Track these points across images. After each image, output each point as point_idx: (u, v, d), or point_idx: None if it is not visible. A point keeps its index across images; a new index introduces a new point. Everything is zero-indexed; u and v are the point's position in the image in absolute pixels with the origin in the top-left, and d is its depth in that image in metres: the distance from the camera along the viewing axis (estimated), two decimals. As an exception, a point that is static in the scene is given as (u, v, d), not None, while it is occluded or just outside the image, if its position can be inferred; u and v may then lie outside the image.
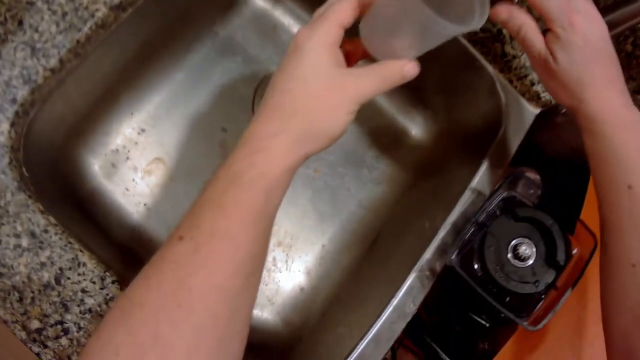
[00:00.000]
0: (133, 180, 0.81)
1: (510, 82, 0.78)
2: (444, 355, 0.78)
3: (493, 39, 0.76)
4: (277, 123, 0.50)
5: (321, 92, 0.50)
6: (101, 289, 0.62)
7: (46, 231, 0.61)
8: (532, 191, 0.75)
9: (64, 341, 0.60)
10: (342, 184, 0.87)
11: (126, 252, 0.75)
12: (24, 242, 0.61)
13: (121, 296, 0.47)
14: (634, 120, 0.58)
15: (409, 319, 0.68)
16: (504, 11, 0.61)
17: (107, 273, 0.62)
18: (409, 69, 0.52)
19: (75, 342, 0.60)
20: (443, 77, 0.83)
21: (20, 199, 0.62)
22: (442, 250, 0.71)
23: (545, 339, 0.73)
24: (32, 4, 0.64)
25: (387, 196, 0.88)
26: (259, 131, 0.50)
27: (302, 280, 0.84)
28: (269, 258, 0.82)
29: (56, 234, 0.62)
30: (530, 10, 0.60)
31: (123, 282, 0.63)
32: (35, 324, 0.60)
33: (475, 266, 0.69)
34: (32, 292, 0.60)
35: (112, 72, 0.75)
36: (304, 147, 0.51)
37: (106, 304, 0.61)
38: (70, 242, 0.62)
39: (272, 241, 0.83)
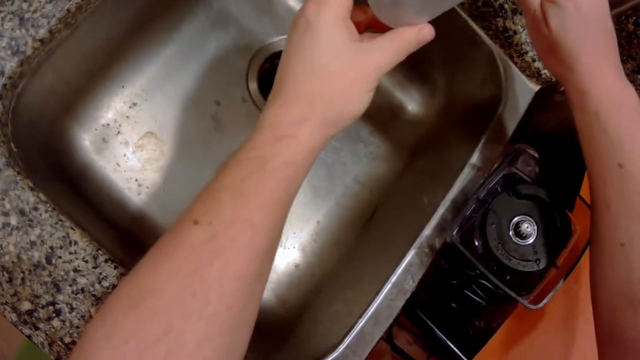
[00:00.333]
0: (124, 155, 0.77)
1: (511, 58, 0.74)
2: (439, 333, 0.75)
3: (494, 14, 0.73)
4: (301, 108, 0.47)
5: (342, 72, 0.47)
6: (94, 267, 0.58)
7: (36, 209, 0.57)
8: (530, 168, 0.72)
9: (55, 323, 0.56)
10: (337, 159, 0.84)
11: (119, 229, 0.71)
12: (13, 220, 0.56)
13: (127, 281, 0.43)
14: (626, 98, 0.55)
15: (408, 295, 0.65)
16: None
17: (99, 251, 0.58)
18: (425, 33, 0.50)
19: (67, 324, 0.56)
20: (442, 51, 0.79)
21: (8, 176, 0.57)
22: (442, 227, 0.67)
23: (541, 318, 0.70)
24: (20, -29, 0.60)
25: (384, 172, 0.84)
26: (282, 116, 0.47)
27: (297, 257, 0.80)
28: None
29: (46, 211, 0.57)
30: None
31: (117, 260, 0.58)
32: (26, 306, 0.56)
33: (476, 243, 0.66)
34: (22, 272, 0.56)
35: (104, 43, 0.71)
36: (328, 131, 0.49)
37: (99, 283, 0.57)
38: (61, 220, 0.57)
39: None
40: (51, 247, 0.57)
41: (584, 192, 0.69)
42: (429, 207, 0.69)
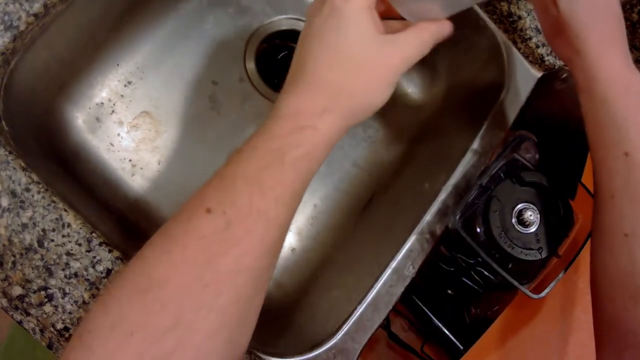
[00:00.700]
0: (118, 135, 0.72)
1: (515, 43, 0.71)
2: (435, 320, 0.72)
3: (499, -2, 0.69)
4: (324, 99, 0.44)
5: (368, 65, 0.45)
6: (88, 251, 0.54)
7: (28, 190, 0.53)
8: (531, 155, 0.69)
9: (47, 308, 0.53)
10: (336, 142, 0.80)
11: (112, 211, 0.67)
12: (4, 201, 0.52)
13: (133, 269, 0.40)
14: (634, 85, 0.52)
15: (407, 282, 0.63)
16: None
17: (93, 234, 0.54)
18: (445, 29, 0.48)
19: (60, 310, 0.53)
20: (444, 35, 0.75)
21: (-1, 155, 0.53)
22: (443, 213, 0.65)
23: (539, 307, 0.68)
24: (12, -60, 0.55)
25: (382, 155, 0.81)
26: (304, 106, 0.44)
27: (293, 240, 0.77)
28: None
29: (39, 192, 0.53)
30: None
31: (111, 244, 0.55)
32: (17, 291, 0.52)
33: (478, 230, 0.64)
34: (13, 255, 0.52)
35: (99, 19, 0.67)
36: (348, 123, 0.47)
37: (93, 267, 0.54)
38: (53, 201, 0.54)
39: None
40: (43, 230, 0.53)
41: (586, 180, 0.67)
42: (430, 193, 0.66)
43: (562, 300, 0.68)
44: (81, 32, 0.65)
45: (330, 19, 0.44)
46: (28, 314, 0.52)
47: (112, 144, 0.72)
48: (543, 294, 0.61)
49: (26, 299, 0.52)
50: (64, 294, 0.53)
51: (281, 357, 0.59)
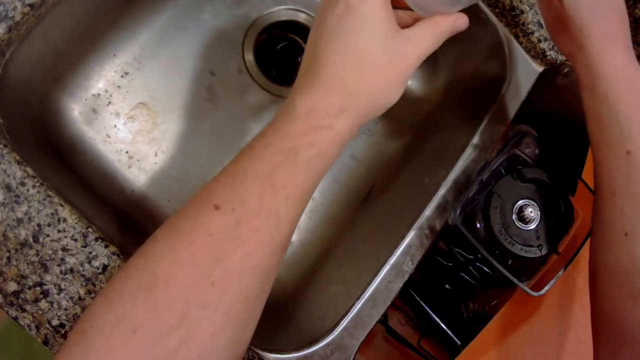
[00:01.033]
0: (115, 126, 0.71)
1: (516, 37, 0.69)
2: (433, 315, 0.72)
3: (501, -9, 0.68)
4: (341, 99, 0.43)
5: (384, 65, 0.44)
6: (83, 246, 0.52)
7: (23, 184, 0.51)
8: (531, 150, 0.68)
9: (43, 304, 0.51)
10: (334, 135, 0.78)
11: (109, 204, 0.65)
12: (-1, 196, 0.51)
13: (136, 264, 0.40)
14: (637, 82, 0.51)
15: (406, 277, 0.62)
16: None
17: (89, 229, 0.53)
18: (461, 23, 0.48)
19: (55, 306, 0.51)
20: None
21: (-6, 149, 0.52)
22: (443, 208, 0.63)
23: (538, 303, 0.67)
24: None
25: (382, 149, 0.79)
26: (320, 105, 0.43)
27: (291, 234, 0.75)
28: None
29: (34, 186, 0.52)
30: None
31: (107, 239, 0.53)
32: (12, 286, 0.51)
33: (478, 226, 0.63)
34: (8, 251, 0.51)
35: (96, 9, 0.65)
36: (362, 121, 0.45)
37: (89, 263, 0.52)
38: (49, 196, 0.52)
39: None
40: (39, 225, 0.52)
41: (586, 177, 0.65)
42: (429, 187, 0.65)
43: (561, 297, 0.67)
44: (77, 22, 0.63)
45: (346, 18, 0.43)
46: (23, 310, 0.51)
47: (108, 136, 0.70)
48: (543, 291, 0.60)
49: (21, 295, 0.51)
50: (60, 290, 0.51)
51: (279, 353, 0.58)
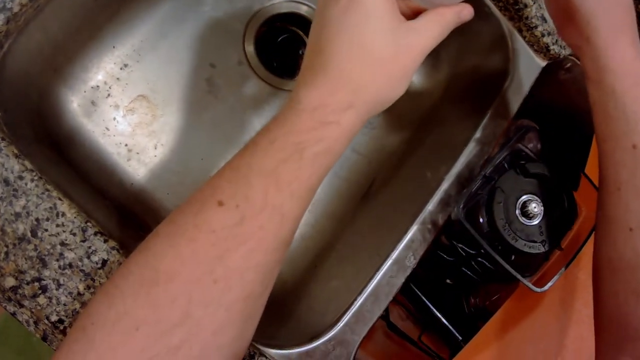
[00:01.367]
0: (114, 119, 0.69)
1: (520, 31, 0.68)
2: (434, 310, 0.70)
3: (505, -15, 0.66)
4: (347, 94, 0.42)
5: (390, 59, 0.42)
6: (82, 241, 0.51)
7: (21, 177, 0.50)
8: (534, 145, 0.67)
9: (41, 300, 0.50)
10: (335, 128, 0.76)
11: (107, 197, 0.64)
12: (-4, 190, 0.49)
13: (137, 261, 0.39)
14: None
15: (408, 272, 0.60)
16: None
17: (88, 223, 0.51)
18: (466, 14, 0.46)
19: (54, 301, 0.50)
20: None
21: (-9, 142, 0.50)
22: (445, 203, 0.62)
23: (540, 299, 0.66)
24: None
25: (384, 143, 0.78)
26: (326, 101, 0.41)
27: (291, 227, 0.74)
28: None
29: (32, 180, 0.50)
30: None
31: (107, 233, 0.52)
32: (10, 282, 0.49)
33: (481, 220, 0.61)
34: (6, 246, 0.49)
35: (95, 0, 0.63)
36: (368, 116, 0.44)
37: (88, 257, 0.51)
38: (47, 190, 0.50)
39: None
40: (37, 219, 0.50)
41: (589, 173, 0.64)
42: (432, 182, 0.64)
43: (563, 293, 0.66)
44: (76, 14, 0.62)
45: (349, 11, 0.41)
46: (21, 306, 0.49)
47: (107, 129, 0.68)
48: (546, 287, 0.59)
49: (19, 291, 0.49)
50: (59, 285, 0.50)
51: (280, 349, 0.56)
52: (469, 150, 0.64)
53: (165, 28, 0.71)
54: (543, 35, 0.67)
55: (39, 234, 0.50)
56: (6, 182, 0.49)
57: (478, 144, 0.64)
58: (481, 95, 0.69)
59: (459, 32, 0.70)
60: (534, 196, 0.61)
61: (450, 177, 0.62)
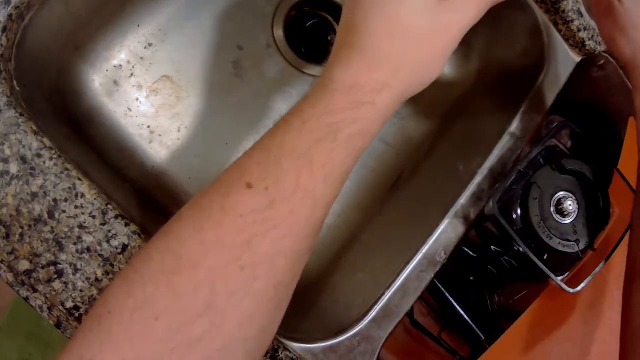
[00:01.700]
0: (137, 99, 0.63)
1: (556, 25, 0.62)
2: (457, 307, 0.65)
3: (542, -24, 0.61)
4: (384, 74, 0.37)
5: (429, 36, 0.38)
6: (102, 224, 0.45)
7: (39, 155, 0.44)
8: (565, 141, 0.62)
9: (57, 285, 0.44)
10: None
11: (127, 180, 0.59)
12: (13, 168, 0.44)
13: (158, 245, 0.35)
14: None
15: (438, 268, 0.55)
16: None
17: (109, 206, 0.46)
18: None
19: (70, 287, 0.44)
20: (481, 12, 0.67)
21: (9, 117, 0.44)
22: (478, 197, 0.57)
23: (568, 300, 0.61)
24: None
25: (412, 134, 0.72)
26: (363, 80, 0.37)
27: (316, 216, 0.69)
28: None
29: (51, 158, 0.45)
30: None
31: (128, 217, 0.46)
32: (24, 265, 0.44)
33: (514, 217, 0.56)
34: (22, 227, 0.44)
35: (120, -26, 0.57)
36: (405, 97, 0.40)
37: (107, 242, 0.45)
38: (67, 169, 0.45)
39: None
40: (55, 200, 0.45)
41: (625, 172, 0.59)
42: (464, 175, 0.58)
43: (591, 295, 0.61)
44: (100, -11, 0.56)
45: None
46: (35, 291, 0.44)
47: (129, 109, 0.63)
48: (579, 288, 0.54)
49: (34, 275, 0.44)
50: (75, 270, 0.45)
51: (304, 343, 0.51)
52: (503, 144, 0.58)
53: (192, 8, 0.66)
54: (579, 30, 0.61)
55: (57, 215, 0.45)
56: (23, 159, 0.44)
57: (512, 138, 0.59)
58: (514, 88, 0.64)
59: (493, 23, 0.65)
60: (569, 193, 0.56)
61: (483, 170, 0.57)
